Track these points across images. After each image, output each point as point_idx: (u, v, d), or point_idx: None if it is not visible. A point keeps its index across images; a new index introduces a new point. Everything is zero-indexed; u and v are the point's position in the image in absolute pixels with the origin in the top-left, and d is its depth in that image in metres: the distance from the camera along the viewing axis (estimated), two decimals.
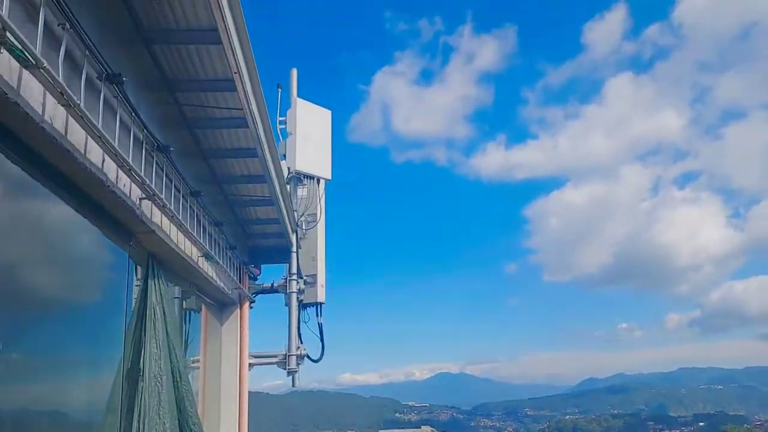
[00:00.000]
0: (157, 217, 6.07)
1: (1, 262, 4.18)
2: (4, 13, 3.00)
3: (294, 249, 12.04)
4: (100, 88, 4.51)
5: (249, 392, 11.11)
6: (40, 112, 3.68)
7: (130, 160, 4.96)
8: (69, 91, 3.75)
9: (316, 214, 12.97)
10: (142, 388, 5.88)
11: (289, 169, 12.41)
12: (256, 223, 10.78)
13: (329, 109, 13.58)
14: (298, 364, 11.93)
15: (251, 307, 11.58)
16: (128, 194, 5.25)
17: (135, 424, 5.75)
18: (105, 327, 6.15)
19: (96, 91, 4.46)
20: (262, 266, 12.15)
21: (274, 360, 12.04)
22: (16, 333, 4.50)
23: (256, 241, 11.71)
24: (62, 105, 3.88)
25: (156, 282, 6.36)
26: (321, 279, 12.90)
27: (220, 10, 4.73)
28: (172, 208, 6.18)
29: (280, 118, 12.75)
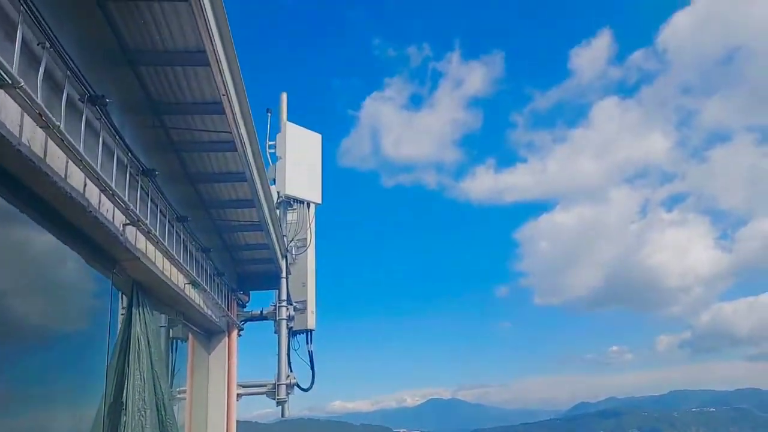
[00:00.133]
0: (141, 243, 5.88)
1: None
2: None
3: (284, 275, 11.86)
4: (82, 109, 4.35)
5: (237, 421, 10.83)
6: (17, 134, 3.50)
7: (113, 185, 4.78)
8: (48, 113, 3.59)
9: (306, 239, 12.79)
10: (125, 422, 5.64)
11: (278, 193, 12.26)
12: (244, 248, 10.58)
13: (319, 133, 13.52)
14: (287, 394, 11.68)
15: (240, 335, 11.34)
16: (111, 220, 5.07)
17: None
18: (87, 358, 5.92)
19: (78, 112, 4.30)
20: (251, 293, 11.96)
21: (263, 390, 11.77)
22: None
23: (245, 267, 11.50)
24: (41, 127, 3.71)
25: (140, 311, 6.16)
26: (311, 305, 12.68)
27: (208, 30, 4.61)
28: (157, 233, 5.99)
29: (270, 143, 12.64)
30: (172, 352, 8.92)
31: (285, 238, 11.68)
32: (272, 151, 12.63)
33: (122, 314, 6.29)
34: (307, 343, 12.50)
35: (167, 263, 6.70)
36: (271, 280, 11.89)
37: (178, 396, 9.46)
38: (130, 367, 5.84)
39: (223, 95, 5.43)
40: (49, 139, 3.89)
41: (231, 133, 6.11)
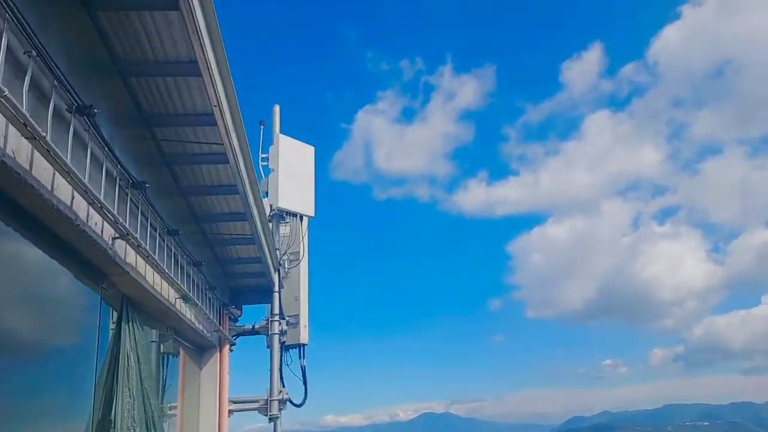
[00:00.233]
0: (131, 257, 5.77)
1: None
2: None
3: (276, 289, 11.75)
4: (70, 120, 4.26)
5: None
6: (1, 145, 3.41)
7: (101, 197, 4.68)
8: (34, 123, 3.50)
9: (299, 252, 12.68)
10: None
11: (271, 206, 12.17)
12: (236, 262, 10.46)
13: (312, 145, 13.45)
14: (280, 410, 11.52)
15: (232, 350, 11.20)
16: (100, 233, 4.96)
17: None
18: (75, 375, 5.78)
19: (65, 123, 4.21)
20: (244, 307, 11.84)
21: (255, 405, 11.62)
22: None
23: (237, 281, 11.38)
24: (26, 137, 3.62)
25: (130, 326, 6.04)
26: (304, 319, 12.54)
27: (200, 40, 4.54)
28: (147, 247, 5.89)
29: (263, 155, 12.56)
30: (162, 367, 8.77)
31: (277, 252, 11.57)
32: (265, 163, 12.56)
33: (112, 329, 6.17)
34: (300, 357, 12.36)
35: (158, 277, 6.58)
36: (263, 294, 11.77)
37: (169, 412, 9.30)
38: (119, 384, 5.71)
39: (215, 107, 5.36)
40: (35, 150, 3.80)
41: (223, 145, 6.03)
